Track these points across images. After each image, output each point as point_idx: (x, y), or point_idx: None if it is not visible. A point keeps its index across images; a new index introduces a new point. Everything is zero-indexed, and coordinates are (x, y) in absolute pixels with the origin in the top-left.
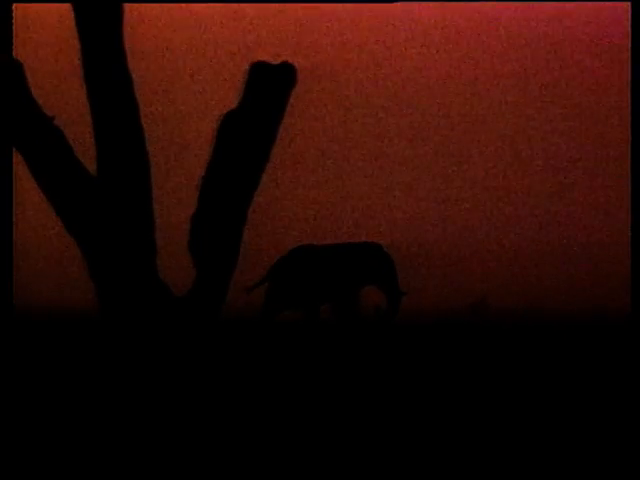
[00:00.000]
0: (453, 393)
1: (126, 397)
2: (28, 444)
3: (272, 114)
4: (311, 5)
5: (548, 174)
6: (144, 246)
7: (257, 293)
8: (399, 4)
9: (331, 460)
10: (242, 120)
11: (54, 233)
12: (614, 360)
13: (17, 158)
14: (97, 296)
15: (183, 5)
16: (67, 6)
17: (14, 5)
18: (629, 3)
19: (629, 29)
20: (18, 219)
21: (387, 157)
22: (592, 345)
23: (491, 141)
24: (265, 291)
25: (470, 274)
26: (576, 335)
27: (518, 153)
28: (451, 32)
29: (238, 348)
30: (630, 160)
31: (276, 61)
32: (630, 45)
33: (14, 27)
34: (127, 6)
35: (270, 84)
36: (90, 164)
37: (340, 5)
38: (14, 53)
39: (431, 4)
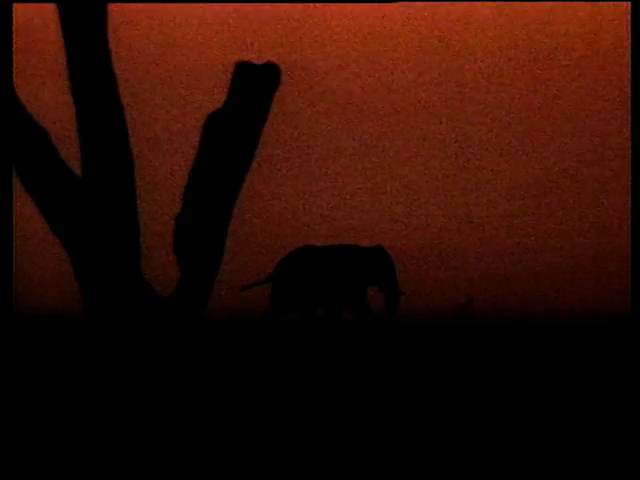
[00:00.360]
0: (453, 394)
1: (112, 398)
2: (28, 444)
3: (256, 114)
4: (296, 5)
5: (548, 174)
6: (129, 247)
7: (253, 293)
8: (389, 5)
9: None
10: (227, 120)
11: None
12: (613, 361)
13: None
14: (82, 297)
15: (168, 5)
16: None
17: (14, 5)
18: (629, 3)
19: (629, 29)
20: (18, 219)
21: (379, 158)
22: (591, 346)
23: (491, 141)
24: (270, 292)
25: (469, 274)
26: (575, 336)
27: (518, 153)
28: (451, 32)
29: (237, 348)
30: (630, 160)
31: (261, 60)
32: (630, 45)
33: (14, 27)
34: (112, 6)
35: (254, 84)
36: (75, 164)
37: (326, 5)
38: (14, 53)
39: (431, 4)
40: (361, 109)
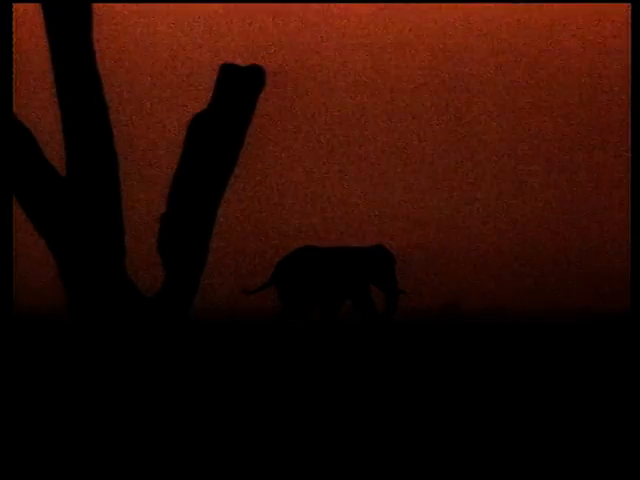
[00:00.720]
0: (452, 394)
1: (97, 397)
2: (27, 443)
3: (241, 115)
4: (282, 5)
5: (548, 175)
6: (113, 246)
7: (252, 294)
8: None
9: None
10: (211, 121)
11: None
12: (613, 359)
13: None
14: (66, 296)
15: (152, 5)
16: (92, 7)
17: (14, 5)
18: (629, 4)
19: (629, 29)
20: (18, 219)
21: (377, 158)
22: (591, 345)
23: (489, 142)
24: (277, 294)
25: (468, 275)
26: (575, 335)
27: (517, 154)
28: (451, 33)
29: (228, 348)
30: (630, 161)
31: (246, 63)
32: (630, 45)
33: (14, 27)
34: (96, 6)
35: (239, 86)
36: (59, 164)
37: (312, 5)
38: (14, 53)
39: (431, 4)
40: (360, 109)
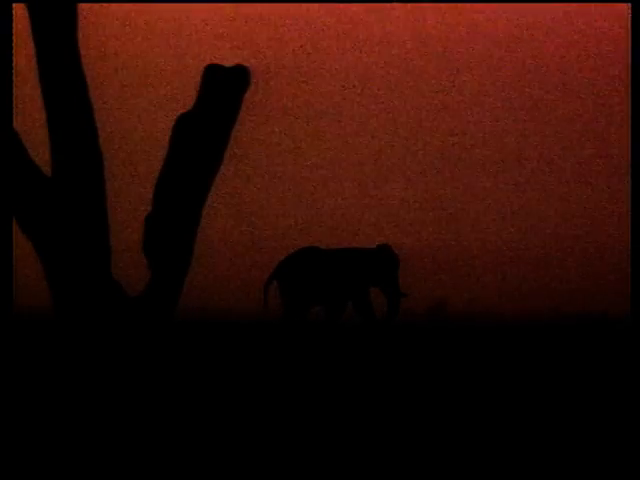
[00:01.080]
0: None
1: (80, 397)
2: (27, 443)
3: (226, 116)
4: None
5: (547, 175)
6: (98, 247)
7: (252, 293)
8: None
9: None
10: (196, 121)
11: None
12: (614, 362)
13: None
14: (52, 297)
15: (138, 6)
16: (78, 7)
17: (14, 5)
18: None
19: (629, 29)
20: None
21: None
22: (592, 348)
23: (489, 143)
24: (280, 294)
25: (467, 276)
26: (576, 338)
27: (516, 154)
28: (451, 34)
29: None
30: (630, 161)
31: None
32: (630, 45)
33: (14, 27)
34: (81, 7)
35: (224, 86)
36: (45, 165)
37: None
38: (14, 53)
39: (431, 4)
40: (358, 110)
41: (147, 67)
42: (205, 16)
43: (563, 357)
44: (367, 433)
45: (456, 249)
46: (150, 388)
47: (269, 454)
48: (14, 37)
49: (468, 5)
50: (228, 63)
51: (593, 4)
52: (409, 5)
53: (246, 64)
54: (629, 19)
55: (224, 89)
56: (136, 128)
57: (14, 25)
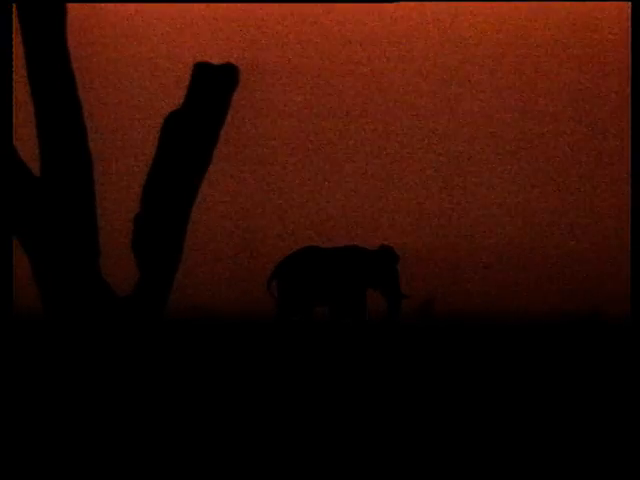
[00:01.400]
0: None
1: (72, 397)
2: (26, 443)
3: (214, 114)
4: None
5: (547, 176)
6: (87, 246)
7: (251, 294)
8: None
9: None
10: (185, 120)
11: None
12: (613, 362)
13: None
14: (41, 297)
15: (126, 5)
16: (67, 6)
17: (14, 5)
18: (629, 3)
19: (629, 29)
20: None
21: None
22: (591, 348)
23: (488, 142)
24: (278, 293)
25: (466, 276)
26: (575, 337)
27: (515, 153)
28: (453, 33)
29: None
30: (630, 161)
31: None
32: (630, 45)
33: (14, 27)
34: (70, 6)
35: (213, 84)
36: (33, 164)
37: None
38: (14, 53)
39: (432, 4)
40: (358, 109)
41: (136, 66)
42: (194, 15)
43: (562, 357)
44: (361, 432)
45: (456, 249)
46: (141, 387)
47: (261, 453)
48: (14, 37)
49: (469, 5)
50: (218, 61)
51: (593, 3)
52: (410, 4)
53: (246, 63)
54: (629, 18)
55: (213, 87)
56: (125, 127)
57: (14, 25)
